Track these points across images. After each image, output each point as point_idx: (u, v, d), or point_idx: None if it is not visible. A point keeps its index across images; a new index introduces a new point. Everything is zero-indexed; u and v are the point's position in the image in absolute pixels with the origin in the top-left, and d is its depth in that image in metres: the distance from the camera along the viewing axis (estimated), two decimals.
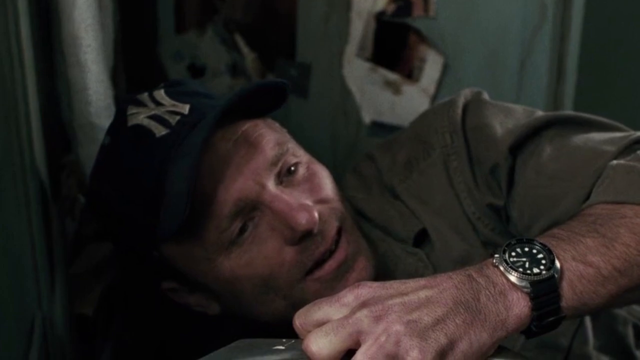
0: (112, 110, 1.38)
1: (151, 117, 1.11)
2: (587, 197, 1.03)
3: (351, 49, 1.87)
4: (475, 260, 1.15)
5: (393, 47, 1.86)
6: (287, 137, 1.18)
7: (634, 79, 1.65)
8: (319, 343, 0.81)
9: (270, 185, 1.10)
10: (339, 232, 1.13)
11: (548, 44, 1.85)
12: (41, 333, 1.20)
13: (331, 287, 1.12)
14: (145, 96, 1.17)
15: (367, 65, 1.86)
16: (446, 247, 1.18)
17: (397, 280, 0.84)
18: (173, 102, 1.13)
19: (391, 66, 1.86)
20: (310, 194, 1.13)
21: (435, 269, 1.18)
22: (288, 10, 1.87)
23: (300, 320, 0.84)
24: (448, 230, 1.18)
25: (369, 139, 1.89)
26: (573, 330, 1.18)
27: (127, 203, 1.12)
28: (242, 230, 1.10)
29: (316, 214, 1.10)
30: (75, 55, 1.32)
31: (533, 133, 1.14)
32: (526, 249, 0.86)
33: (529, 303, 0.83)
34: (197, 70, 1.97)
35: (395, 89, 1.87)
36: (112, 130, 1.19)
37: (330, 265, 1.12)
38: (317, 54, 1.89)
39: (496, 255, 0.85)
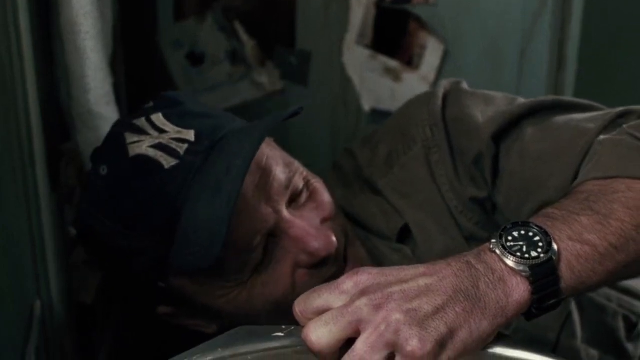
0: (111, 97, 1.38)
1: (156, 147, 1.06)
2: (575, 176, 1.02)
3: (351, 36, 1.87)
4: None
5: (393, 34, 1.86)
6: (285, 154, 1.15)
7: (634, 67, 1.65)
8: (318, 332, 0.81)
9: (284, 210, 1.09)
10: (345, 247, 1.13)
11: (548, 31, 1.85)
12: (40, 321, 1.20)
13: None
14: (143, 121, 1.10)
15: (367, 52, 1.86)
16: (429, 242, 1.17)
17: (396, 267, 0.84)
18: (176, 128, 1.07)
19: (391, 53, 1.86)
20: (317, 212, 1.12)
21: None
22: None
23: (299, 307, 0.84)
24: (431, 225, 1.17)
25: (368, 127, 1.89)
26: (560, 324, 1.18)
27: (133, 237, 1.07)
28: (259, 258, 1.09)
29: (333, 238, 1.09)
30: (74, 43, 1.31)
31: (515, 120, 1.13)
32: (522, 232, 0.85)
33: (529, 287, 0.82)
34: (196, 58, 1.97)
35: (395, 76, 1.87)
36: (110, 159, 1.09)
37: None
38: (316, 41, 1.89)
39: (493, 240, 0.84)
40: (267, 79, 1.94)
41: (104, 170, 1.09)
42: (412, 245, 1.19)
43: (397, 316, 0.79)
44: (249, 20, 1.90)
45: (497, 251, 0.84)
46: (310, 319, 0.82)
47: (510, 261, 0.83)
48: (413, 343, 0.78)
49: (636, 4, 2.07)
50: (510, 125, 1.13)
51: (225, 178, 1.02)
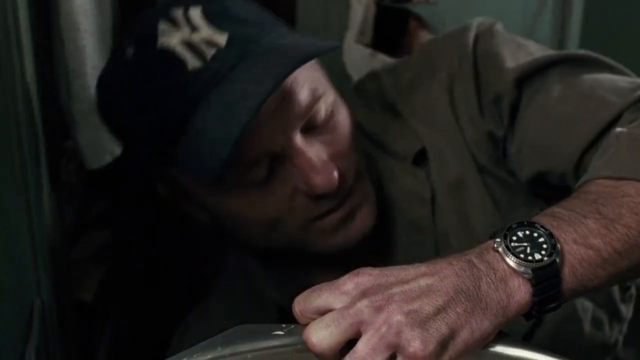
0: None
1: (185, 44, 1.04)
2: (585, 150, 1.03)
3: (351, 34, 1.87)
4: (470, 185, 1.16)
5: (393, 33, 1.85)
6: (318, 75, 1.12)
7: (634, 67, 1.64)
8: (319, 334, 0.80)
9: (296, 136, 1.07)
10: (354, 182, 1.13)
11: (548, 31, 1.85)
12: (40, 319, 1.20)
13: (332, 235, 1.12)
14: (179, 14, 1.07)
15: (367, 51, 1.86)
16: (443, 168, 1.17)
17: (397, 267, 0.84)
18: (210, 29, 1.05)
19: (391, 52, 1.86)
20: (332, 146, 1.10)
21: (433, 192, 1.18)
22: None
23: (299, 307, 0.84)
24: (447, 151, 1.17)
25: None
26: None
27: (143, 123, 1.07)
28: (262, 176, 1.08)
29: (336, 176, 1.08)
30: (74, 41, 1.31)
31: (542, 68, 1.12)
32: (527, 233, 0.84)
33: (530, 289, 0.82)
34: None
35: None
36: (139, 42, 1.09)
37: (336, 216, 1.12)
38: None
39: (497, 239, 0.84)
40: None
41: (129, 52, 1.09)
42: (427, 170, 1.19)
43: (398, 317, 0.79)
44: None
45: (500, 250, 0.84)
46: (310, 319, 0.82)
47: (512, 262, 0.83)
48: (415, 344, 0.78)
49: (636, 4, 2.07)
50: (536, 73, 1.12)
51: (242, 101, 1.01)
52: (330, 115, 1.11)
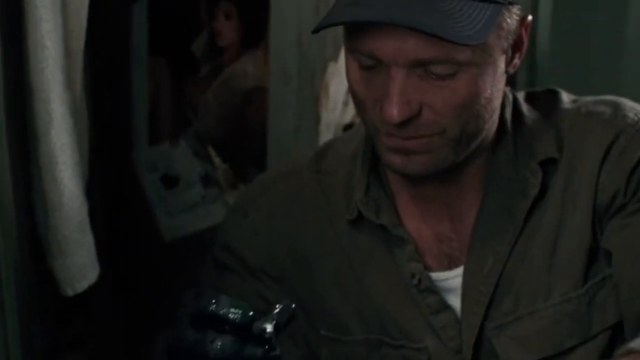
0: (86, 225, 1.42)
1: None
2: None
3: None
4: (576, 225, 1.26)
5: None
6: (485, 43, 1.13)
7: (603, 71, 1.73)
8: None
9: (403, 69, 1.13)
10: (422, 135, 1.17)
11: None
12: None
13: (390, 154, 1.19)
14: None
15: None
16: (568, 182, 1.26)
17: None
18: None
19: None
20: (431, 97, 1.14)
21: (545, 192, 1.27)
22: (259, 123, 1.93)
23: None
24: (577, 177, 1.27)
25: None
26: None
27: None
28: (367, 64, 1.15)
29: (401, 116, 1.13)
30: (52, 173, 1.36)
31: None
32: None
33: None
34: (170, 180, 2.02)
35: None
36: None
37: (392, 141, 1.17)
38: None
39: None
40: None
41: None
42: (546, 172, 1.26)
43: None
44: (221, 145, 1.96)
45: None
46: None
47: None
48: None
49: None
50: None
51: (368, 9, 1.10)
52: (452, 77, 1.14)
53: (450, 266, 1.27)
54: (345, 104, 1.98)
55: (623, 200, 1.22)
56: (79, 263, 1.36)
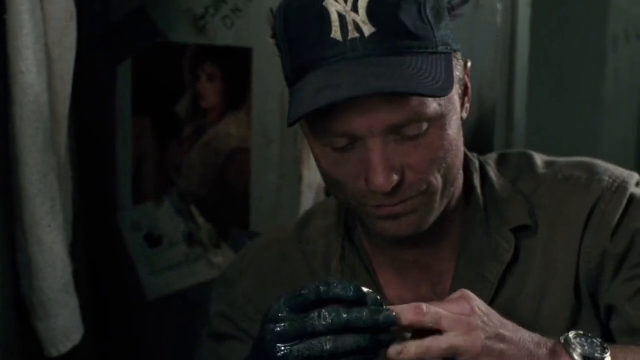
0: (71, 285, 1.44)
1: (339, 16, 1.15)
2: None
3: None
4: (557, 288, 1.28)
5: None
6: (430, 101, 1.16)
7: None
8: None
9: (378, 136, 1.14)
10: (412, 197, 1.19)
11: None
12: None
13: (379, 222, 1.20)
14: None
15: None
16: (545, 255, 1.28)
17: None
18: (365, 17, 1.14)
19: None
20: (411, 158, 1.17)
21: (517, 258, 1.30)
22: (242, 183, 1.95)
23: None
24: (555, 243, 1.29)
25: None
26: None
27: (289, 42, 1.18)
28: (341, 145, 1.16)
29: (392, 183, 1.15)
30: (37, 236, 1.37)
31: None
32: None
33: None
34: (154, 240, 2.03)
35: None
36: None
37: (383, 210, 1.19)
38: (270, 224, 1.96)
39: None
40: (222, 259, 2.00)
41: None
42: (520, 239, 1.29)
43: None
44: (204, 204, 1.97)
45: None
46: None
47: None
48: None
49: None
50: None
51: (334, 90, 1.11)
52: (425, 134, 1.17)
53: None
54: None
55: (616, 257, 1.25)
56: (63, 325, 1.37)
